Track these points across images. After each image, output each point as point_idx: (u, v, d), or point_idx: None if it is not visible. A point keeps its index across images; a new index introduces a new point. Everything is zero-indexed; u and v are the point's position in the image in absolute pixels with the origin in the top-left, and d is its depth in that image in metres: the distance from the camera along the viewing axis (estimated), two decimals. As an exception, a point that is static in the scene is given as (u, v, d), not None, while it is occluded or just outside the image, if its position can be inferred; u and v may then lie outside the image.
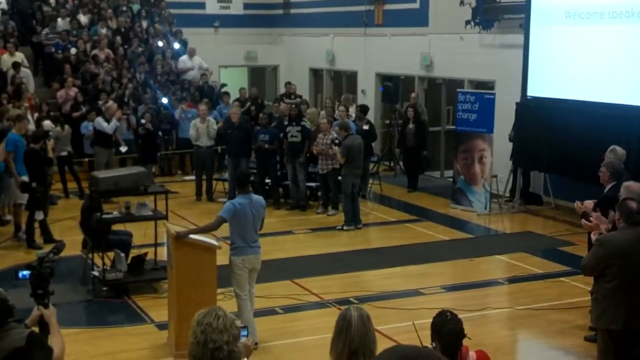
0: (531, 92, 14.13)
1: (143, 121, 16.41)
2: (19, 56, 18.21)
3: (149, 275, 10.30)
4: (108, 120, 15.39)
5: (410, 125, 16.18)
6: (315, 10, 22.29)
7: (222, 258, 8.44)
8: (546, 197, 14.80)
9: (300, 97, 20.06)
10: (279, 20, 24.04)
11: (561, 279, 10.66)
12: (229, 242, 8.39)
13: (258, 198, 8.53)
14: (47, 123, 14.83)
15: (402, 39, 18.59)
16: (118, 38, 20.12)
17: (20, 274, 4.95)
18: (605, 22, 12.67)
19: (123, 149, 15.93)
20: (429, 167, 17.22)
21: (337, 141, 13.46)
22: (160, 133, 17.38)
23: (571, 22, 13.26)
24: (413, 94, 18.11)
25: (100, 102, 16.79)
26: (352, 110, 17.73)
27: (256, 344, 7.92)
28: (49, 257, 5.03)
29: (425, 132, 16.55)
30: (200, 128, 15.60)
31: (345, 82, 21.53)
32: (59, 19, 20.04)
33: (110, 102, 16.13)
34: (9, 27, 19.36)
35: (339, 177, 13.72)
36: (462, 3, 16.69)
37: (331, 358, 4.23)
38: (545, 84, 13.91)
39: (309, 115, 15.67)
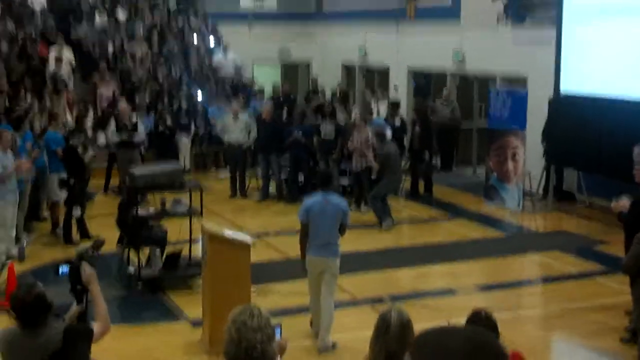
0: (564, 88, 13.95)
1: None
2: (65, 55, 18.47)
3: (184, 271, 10.39)
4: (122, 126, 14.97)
5: (416, 128, 15.68)
6: (348, 7, 22.28)
7: (255, 254, 8.53)
8: (580, 195, 14.68)
9: (342, 95, 20.11)
10: (312, 16, 24.08)
11: (596, 278, 10.60)
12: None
13: (338, 200, 8.44)
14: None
15: (434, 35, 18.52)
16: (154, 35, 20.31)
17: (60, 270, 5.07)
18: (634, 16, 12.48)
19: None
20: (433, 171, 16.24)
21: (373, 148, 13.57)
22: (193, 128, 17.66)
23: (605, 17, 13.07)
24: (445, 91, 18.12)
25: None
26: (384, 108, 17.77)
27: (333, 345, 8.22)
28: (88, 253, 5.13)
29: (430, 135, 15.86)
30: (231, 125, 15.72)
31: (377, 77, 21.52)
32: (97, 16, 20.28)
33: (123, 103, 15.85)
34: (48, 24, 19.62)
35: (373, 177, 13.73)
36: (493, -1, 16.64)
37: (369, 358, 4.25)
38: (578, 79, 13.72)
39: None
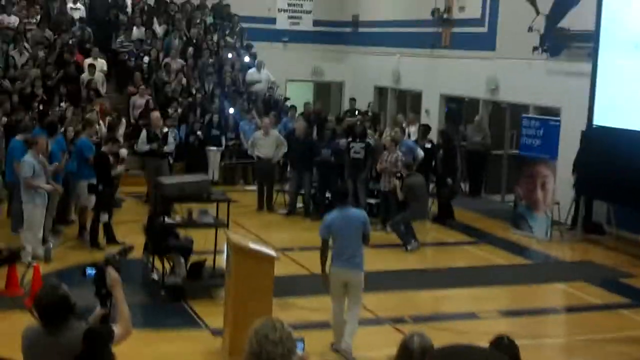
0: (597, 121, 13.99)
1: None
2: (99, 62, 18.74)
3: (207, 281, 10.44)
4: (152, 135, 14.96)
5: (440, 152, 15.62)
6: (383, 30, 22.39)
7: (279, 268, 8.54)
8: (608, 227, 14.56)
9: (367, 113, 20.22)
10: (347, 37, 24.20)
11: (620, 310, 10.49)
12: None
13: (356, 212, 8.65)
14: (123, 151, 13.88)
15: (468, 62, 18.57)
16: (190, 49, 20.54)
17: (87, 272, 5.12)
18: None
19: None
20: (454, 196, 15.94)
21: (399, 175, 13.57)
22: (224, 142, 17.84)
23: (637, 51, 13.09)
24: (477, 117, 18.11)
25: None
26: (414, 130, 17.79)
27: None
28: (115, 258, 5.18)
29: (454, 159, 15.73)
30: (262, 140, 15.81)
31: (409, 101, 21.55)
32: (135, 28, 20.57)
33: (155, 112, 15.94)
34: (85, 34, 19.92)
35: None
36: (530, 29, 16.66)
37: None
38: (611, 113, 13.74)
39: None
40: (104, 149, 12.58)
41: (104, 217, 12.16)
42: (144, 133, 15.12)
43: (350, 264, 8.39)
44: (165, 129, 15.25)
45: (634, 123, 13.20)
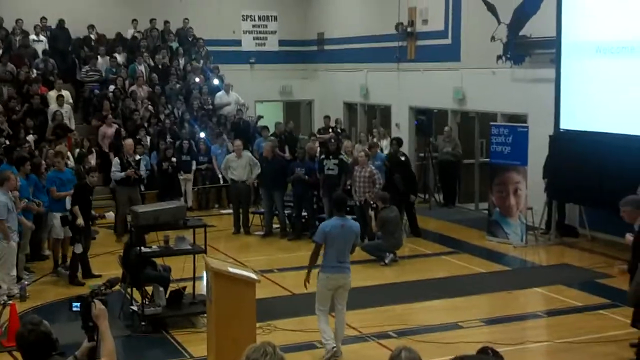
0: (564, 125, 14.22)
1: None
2: (65, 94, 18.66)
3: (188, 309, 10.36)
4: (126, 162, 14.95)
5: (396, 176, 15.28)
6: (349, 47, 22.54)
7: (259, 291, 8.53)
8: (582, 229, 14.74)
9: (342, 130, 20.30)
10: (314, 56, 24.34)
11: (600, 311, 10.58)
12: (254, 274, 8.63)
13: (352, 223, 8.97)
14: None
15: (434, 74, 18.75)
16: (155, 75, 20.51)
17: (73, 306, 5.09)
18: (636, 56, 12.73)
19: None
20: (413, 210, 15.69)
21: (374, 206, 13.69)
22: (194, 167, 17.83)
23: (602, 56, 13.36)
24: (446, 128, 18.27)
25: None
26: (386, 144, 17.90)
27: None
28: (102, 290, 5.16)
29: (411, 177, 15.72)
30: (235, 162, 15.81)
31: (379, 115, 21.68)
32: (99, 57, 20.50)
33: (128, 140, 15.89)
34: (49, 65, 19.81)
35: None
36: (493, 39, 16.88)
37: None
38: (577, 116, 13.98)
39: (347, 148, 15.86)
40: (88, 180, 12.49)
41: (78, 248, 12.03)
42: (116, 160, 15.06)
43: (342, 269, 8.75)
44: (138, 157, 15.23)
45: (599, 125, 13.44)
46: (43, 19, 20.97)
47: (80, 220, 11.87)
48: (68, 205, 12.44)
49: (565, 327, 10.09)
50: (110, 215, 13.94)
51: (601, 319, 10.28)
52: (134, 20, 22.04)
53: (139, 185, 15.26)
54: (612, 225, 12.46)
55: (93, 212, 12.75)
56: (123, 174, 14.68)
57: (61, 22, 20.97)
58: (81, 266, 12.22)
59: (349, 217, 14.47)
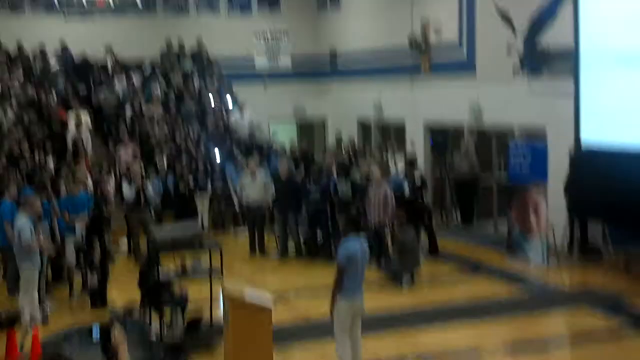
0: (585, 139, 13.71)
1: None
2: (83, 116, 18.67)
3: (205, 334, 10.25)
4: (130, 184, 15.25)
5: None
6: (362, 64, 22.44)
7: (275, 315, 8.41)
8: (605, 248, 14.40)
9: (356, 149, 20.18)
10: (326, 73, 24.26)
11: (625, 332, 10.36)
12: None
13: (366, 244, 8.66)
14: None
15: (449, 89, 18.52)
16: (171, 96, 20.56)
17: (94, 331, 5.07)
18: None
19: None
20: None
21: (390, 226, 13.79)
22: (210, 187, 17.73)
23: (622, 65, 12.98)
24: (463, 144, 18.06)
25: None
26: (400, 164, 17.70)
27: None
28: (121, 316, 5.11)
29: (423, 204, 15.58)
30: (250, 183, 15.69)
31: (393, 133, 21.51)
32: (115, 80, 20.57)
33: (135, 164, 16.12)
34: (68, 89, 19.92)
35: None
36: (509, 51, 16.62)
37: None
38: (599, 130, 13.49)
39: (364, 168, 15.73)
40: (105, 211, 12.46)
41: (93, 280, 11.92)
42: (125, 185, 15.21)
43: (360, 293, 8.44)
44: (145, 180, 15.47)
45: (622, 138, 13.01)
46: (63, 48, 21.10)
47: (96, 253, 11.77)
48: (78, 231, 12.42)
49: (589, 349, 9.86)
50: (124, 243, 13.69)
51: (626, 340, 10.03)
52: (149, 42, 22.14)
53: (148, 208, 15.34)
54: (636, 243, 12.23)
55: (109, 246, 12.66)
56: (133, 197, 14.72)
57: (80, 51, 21.05)
58: (99, 294, 12.09)
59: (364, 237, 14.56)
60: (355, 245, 8.41)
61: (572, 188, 14.15)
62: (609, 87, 13.21)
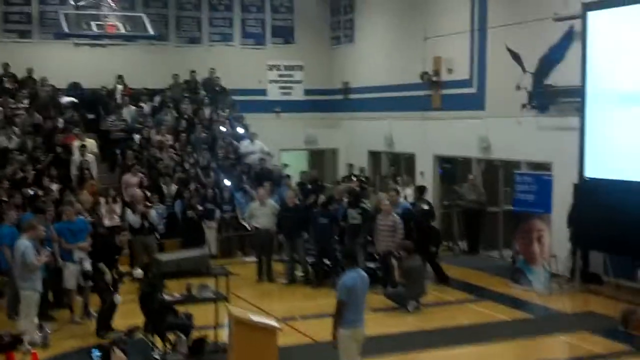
0: (589, 173, 14.13)
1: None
2: (90, 143, 18.93)
3: (210, 357, 10.39)
4: (133, 210, 15.48)
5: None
6: (374, 95, 22.73)
7: (282, 339, 8.54)
8: (606, 277, 14.61)
9: (366, 178, 20.40)
10: (339, 104, 24.54)
11: (623, 358, 10.45)
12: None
13: (364, 274, 8.89)
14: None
15: (459, 122, 18.80)
16: (182, 123, 20.82)
17: (94, 354, 5.20)
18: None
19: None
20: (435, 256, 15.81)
21: (397, 255, 13.83)
22: (218, 215, 17.93)
23: (626, 104, 13.34)
24: (471, 176, 18.31)
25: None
26: (410, 192, 17.94)
27: None
28: (122, 338, 5.26)
29: (431, 228, 15.79)
30: (259, 210, 15.96)
31: (403, 164, 21.75)
32: (124, 107, 20.88)
33: (137, 190, 16.36)
34: (75, 116, 20.18)
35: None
36: (518, 87, 16.93)
37: None
38: (602, 165, 13.88)
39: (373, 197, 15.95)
40: (117, 240, 12.48)
41: (117, 299, 11.92)
42: (129, 211, 15.51)
43: (362, 322, 8.68)
44: (149, 205, 15.66)
45: (624, 174, 13.33)
46: (73, 84, 21.50)
47: (108, 276, 11.79)
48: (76, 256, 12.55)
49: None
50: (138, 273, 13.70)
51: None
52: (160, 71, 22.46)
53: (153, 234, 15.53)
54: (636, 272, 12.41)
55: (120, 270, 12.64)
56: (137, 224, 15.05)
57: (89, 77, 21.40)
58: (104, 320, 12.12)
59: (372, 264, 14.77)
60: (354, 277, 8.64)
61: (575, 219, 14.43)
62: (614, 124, 13.57)
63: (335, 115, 24.53)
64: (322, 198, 16.00)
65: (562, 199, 14.55)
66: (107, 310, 11.67)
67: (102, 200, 16.58)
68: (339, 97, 24.53)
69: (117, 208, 16.14)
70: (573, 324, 12.45)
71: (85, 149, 18.35)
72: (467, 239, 18.49)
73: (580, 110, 14.41)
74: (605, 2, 13.99)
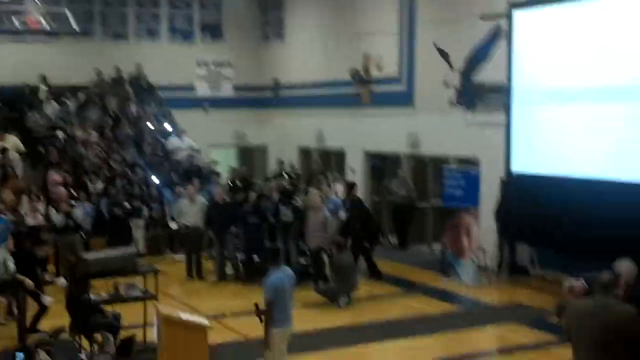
0: (515, 168, 14.48)
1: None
2: (12, 140, 18.42)
3: (138, 357, 10.19)
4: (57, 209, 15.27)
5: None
6: (304, 92, 22.73)
7: (213, 336, 8.44)
8: (532, 269, 14.91)
9: (297, 175, 20.36)
10: (268, 101, 24.47)
11: (551, 348, 10.65)
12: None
13: (290, 272, 8.81)
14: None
15: (389, 119, 18.95)
16: (108, 120, 20.45)
17: (17, 356, 5.02)
18: (582, 102, 13.04)
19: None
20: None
21: (329, 251, 13.97)
22: (147, 212, 17.67)
23: (548, 101, 13.69)
24: (400, 172, 18.47)
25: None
26: (340, 188, 17.97)
27: None
28: (46, 340, 5.09)
29: (371, 223, 15.71)
30: (188, 208, 15.77)
31: (334, 160, 21.80)
32: (47, 104, 20.39)
33: (60, 188, 16.09)
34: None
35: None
36: (446, 85, 17.13)
37: None
38: (528, 160, 14.24)
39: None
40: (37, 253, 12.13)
41: (45, 300, 11.66)
42: (53, 210, 15.20)
43: (290, 320, 8.62)
44: (73, 203, 15.43)
45: (548, 169, 13.68)
46: None
47: (28, 283, 11.40)
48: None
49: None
50: (62, 282, 13.24)
51: (552, 356, 10.36)
52: (85, 67, 21.99)
53: (78, 232, 15.24)
54: (561, 263, 12.69)
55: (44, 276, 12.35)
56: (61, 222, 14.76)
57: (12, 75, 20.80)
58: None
59: (303, 260, 14.77)
60: (280, 276, 8.56)
61: (502, 212, 14.70)
62: (539, 120, 13.93)
63: (265, 111, 24.45)
64: (252, 195, 15.88)
65: (489, 194, 14.82)
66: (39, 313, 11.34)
67: (25, 198, 16.11)
68: (269, 93, 24.45)
69: (41, 206, 15.71)
70: (501, 315, 12.66)
71: (7, 151, 17.83)
72: (397, 233, 18.64)
73: (506, 107, 14.73)
74: (531, 1, 14.34)
